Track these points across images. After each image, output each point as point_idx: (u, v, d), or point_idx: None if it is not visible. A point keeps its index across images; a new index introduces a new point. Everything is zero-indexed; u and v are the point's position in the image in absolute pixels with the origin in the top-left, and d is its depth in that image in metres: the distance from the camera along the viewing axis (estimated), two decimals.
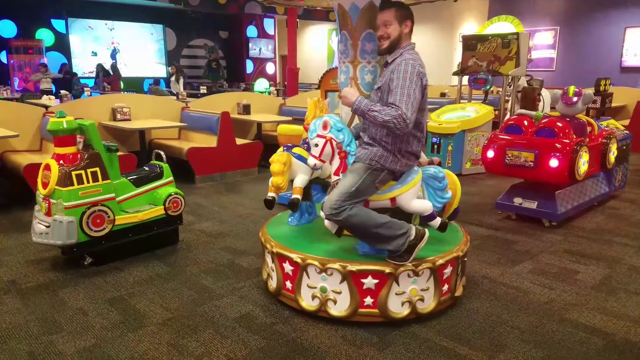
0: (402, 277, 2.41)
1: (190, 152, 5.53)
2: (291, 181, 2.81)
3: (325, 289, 2.47)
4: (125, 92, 11.20)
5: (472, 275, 3.10)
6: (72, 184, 2.99)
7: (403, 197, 2.45)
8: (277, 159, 2.71)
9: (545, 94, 6.79)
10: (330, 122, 2.42)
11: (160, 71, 15.68)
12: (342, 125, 2.45)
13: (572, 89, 4.21)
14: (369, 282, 2.40)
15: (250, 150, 6.07)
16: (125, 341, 2.34)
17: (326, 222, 2.48)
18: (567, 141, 3.84)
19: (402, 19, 2.44)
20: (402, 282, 2.42)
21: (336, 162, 2.46)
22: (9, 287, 2.93)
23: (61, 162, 3.04)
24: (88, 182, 3.06)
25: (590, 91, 4.28)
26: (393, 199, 2.47)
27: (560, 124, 3.96)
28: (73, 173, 3.00)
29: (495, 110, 6.58)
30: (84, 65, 14.06)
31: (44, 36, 12.91)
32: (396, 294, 2.43)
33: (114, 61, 13.93)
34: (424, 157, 3.21)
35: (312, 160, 2.45)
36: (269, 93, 11.87)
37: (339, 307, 2.47)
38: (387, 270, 2.38)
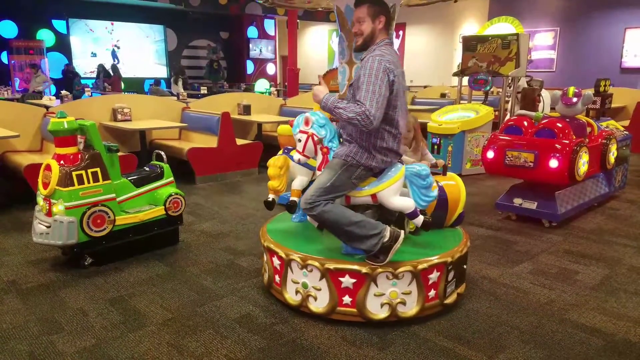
0: (381, 278, 2.41)
1: (190, 153, 5.53)
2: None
3: (307, 285, 2.53)
4: (126, 93, 11.21)
5: (472, 276, 3.10)
6: (73, 184, 3.00)
7: (383, 194, 2.45)
8: (273, 163, 2.76)
9: (545, 95, 6.79)
10: (312, 119, 2.48)
11: (161, 72, 15.69)
12: (324, 122, 2.49)
13: (571, 89, 4.22)
14: (347, 281, 2.43)
15: (251, 150, 6.07)
16: (126, 341, 2.35)
17: (308, 217, 2.54)
18: (567, 142, 3.84)
19: (375, 15, 2.43)
20: (381, 284, 2.42)
21: (319, 157, 2.53)
22: (9, 287, 2.93)
23: (62, 162, 3.04)
24: (89, 182, 3.06)
25: (590, 92, 4.28)
26: (374, 196, 2.47)
27: (560, 125, 3.96)
28: (74, 173, 3.01)
29: (495, 110, 6.58)
30: (84, 66, 14.06)
31: (45, 37, 12.92)
32: (375, 295, 2.43)
33: (115, 61, 13.95)
34: (430, 159, 3.20)
35: (296, 156, 2.54)
36: (269, 93, 11.87)
37: (319, 304, 2.51)
38: (364, 270, 2.39)
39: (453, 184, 2.89)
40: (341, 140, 2.54)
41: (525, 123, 4.13)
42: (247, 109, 6.82)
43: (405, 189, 2.51)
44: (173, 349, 2.29)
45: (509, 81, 6.98)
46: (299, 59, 12.49)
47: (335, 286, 2.45)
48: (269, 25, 16.65)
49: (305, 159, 2.57)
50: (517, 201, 4.19)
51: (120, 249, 3.30)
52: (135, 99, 6.44)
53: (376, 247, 2.36)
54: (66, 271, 3.15)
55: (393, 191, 2.44)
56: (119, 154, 3.34)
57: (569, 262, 3.38)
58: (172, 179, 3.61)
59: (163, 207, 3.45)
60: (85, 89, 10.60)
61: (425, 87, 11.71)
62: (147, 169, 3.61)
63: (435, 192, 2.52)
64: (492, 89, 8.04)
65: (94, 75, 13.36)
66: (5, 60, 12.40)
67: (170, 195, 3.49)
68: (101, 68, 12.88)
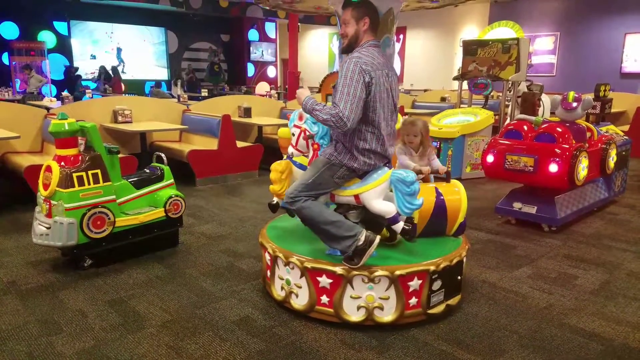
0: (357, 281, 2.42)
1: (191, 155, 5.54)
2: None
3: (289, 282, 2.60)
4: (127, 95, 11.22)
5: (472, 280, 3.10)
6: (73, 186, 3.00)
7: (365, 196, 2.45)
8: (275, 168, 2.80)
9: (545, 99, 6.81)
10: (305, 115, 2.54)
11: (162, 74, 15.72)
12: None
13: (571, 94, 4.23)
14: (324, 280, 2.46)
15: (251, 153, 6.08)
16: (125, 343, 2.35)
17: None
18: (567, 146, 3.85)
19: (359, 17, 2.44)
20: (357, 286, 2.43)
21: (310, 153, 2.61)
22: (9, 288, 2.93)
23: (62, 163, 3.04)
24: (89, 183, 3.06)
25: (589, 97, 4.30)
26: (357, 196, 2.48)
27: (559, 129, 3.97)
28: (74, 175, 3.01)
29: (495, 115, 6.60)
30: (84, 68, 14.08)
31: (46, 38, 12.95)
32: (351, 297, 2.44)
33: (120, 63, 13.98)
34: (436, 165, 3.04)
35: (290, 149, 2.65)
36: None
37: (300, 301, 2.57)
38: (339, 271, 2.42)
39: (454, 191, 2.81)
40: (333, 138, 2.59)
41: (525, 127, 4.14)
42: (247, 112, 6.83)
43: (391, 194, 2.49)
44: (172, 351, 2.29)
45: (509, 85, 6.99)
46: (299, 62, 12.51)
47: (314, 285, 2.50)
48: (270, 28, 16.69)
49: (299, 154, 2.67)
50: (517, 205, 4.20)
51: (120, 251, 3.30)
52: (135, 101, 6.45)
53: (350, 249, 2.38)
54: (66, 272, 3.16)
55: (375, 194, 2.44)
56: (120, 155, 3.34)
57: (568, 266, 3.38)
58: (172, 181, 3.62)
59: (163, 209, 3.45)
60: (86, 91, 10.60)
61: (425, 90, 11.75)
62: (147, 170, 3.61)
63: (420, 201, 2.45)
64: (492, 93, 8.06)
65: (94, 76, 13.39)
66: (6, 61, 12.42)
67: (171, 197, 3.49)
68: (102, 70, 12.90)
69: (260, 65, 16.60)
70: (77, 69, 13.03)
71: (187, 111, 6.50)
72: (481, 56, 7.02)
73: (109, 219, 3.15)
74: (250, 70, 16.38)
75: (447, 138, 6.06)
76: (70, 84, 11.96)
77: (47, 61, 12.63)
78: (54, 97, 10.46)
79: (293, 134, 2.65)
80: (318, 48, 18.08)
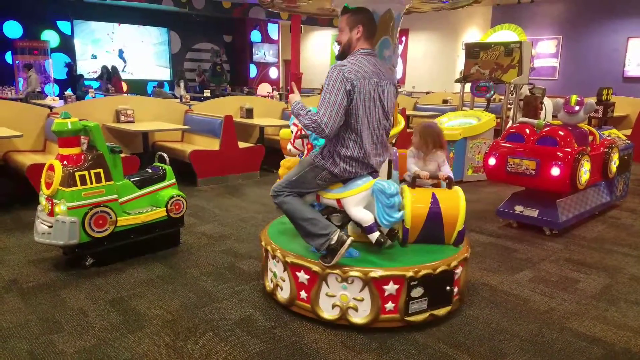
0: (331, 279, 2.45)
1: (192, 155, 5.55)
2: None
3: (276, 275, 2.69)
4: (129, 95, 11.24)
5: (473, 283, 3.09)
6: (76, 185, 3.01)
7: (345, 201, 2.50)
8: (283, 164, 2.93)
9: (548, 103, 6.79)
10: None
11: (164, 74, 15.74)
12: None
13: (574, 97, 4.22)
14: (302, 276, 2.53)
15: (253, 153, 6.09)
16: (125, 342, 2.35)
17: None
18: (569, 150, 3.85)
19: (353, 25, 2.46)
20: (332, 285, 2.46)
21: (305, 153, 2.72)
22: (10, 286, 2.94)
23: (65, 162, 3.05)
24: (91, 183, 3.07)
25: (592, 100, 4.29)
26: (339, 201, 2.53)
27: (562, 133, 3.97)
28: (76, 174, 3.02)
29: (497, 118, 6.59)
30: (85, 67, 14.09)
31: (49, 37, 12.98)
32: (327, 295, 2.48)
33: (123, 63, 14.00)
34: (445, 171, 2.88)
35: (289, 146, 2.77)
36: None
37: (283, 294, 2.65)
38: (315, 268, 2.47)
39: (452, 198, 2.69)
40: None
41: (527, 131, 4.13)
42: (249, 113, 6.84)
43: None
44: (172, 350, 2.29)
45: (511, 88, 6.99)
46: (301, 64, 12.53)
47: (294, 279, 2.57)
48: (273, 30, 16.71)
49: (297, 151, 2.79)
50: (518, 209, 4.19)
51: (122, 250, 3.30)
52: (138, 101, 6.46)
53: (323, 247, 2.43)
54: (67, 271, 3.16)
55: (355, 201, 2.47)
56: (122, 155, 3.35)
57: (569, 270, 3.37)
58: (174, 180, 3.62)
59: (165, 208, 3.45)
60: (89, 91, 10.62)
61: (427, 93, 11.74)
62: (149, 170, 3.62)
63: (399, 215, 2.43)
64: (494, 96, 8.06)
65: (97, 75, 13.40)
66: (9, 60, 12.45)
67: (172, 197, 3.50)
68: (104, 69, 12.93)
69: (263, 67, 16.61)
70: (75, 69, 13.04)
71: (189, 111, 6.51)
72: (483, 59, 7.01)
73: (111, 218, 3.16)
74: (253, 71, 16.39)
75: (449, 141, 6.04)
76: (73, 83, 11.97)
77: (51, 60, 12.66)
78: (57, 96, 10.47)
79: (292, 132, 2.81)
80: (321, 50, 18.09)
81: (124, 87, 12.95)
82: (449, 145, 6.07)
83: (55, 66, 12.78)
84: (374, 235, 2.45)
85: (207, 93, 10.38)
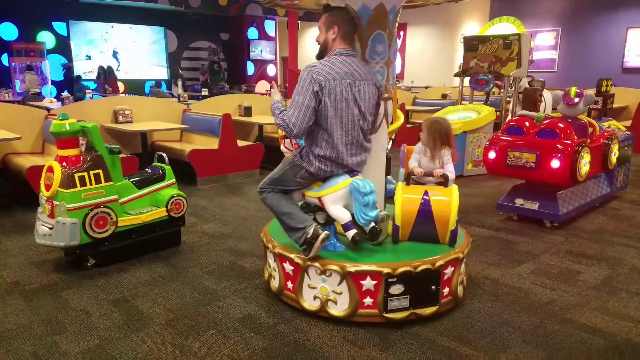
0: (311, 271, 2.52)
1: (191, 154, 5.54)
2: None
3: (270, 265, 2.80)
4: (126, 94, 11.22)
5: (474, 276, 3.10)
6: (75, 186, 3.01)
7: (324, 199, 2.54)
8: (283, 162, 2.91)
9: (547, 95, 6.79)
10: None
11: (162, 73, 15.71)
12: None
13: (573, 89, 4.22)
14: (288, 267, 2.62)
15: (252, 152, 6.08)
16: (129, 342, 2.36)
17: None
18: (569, 142, 3.84)
19: (329, 25, 2.50)
20: (312, 277, 2.53)
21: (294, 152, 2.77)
22: (13, 289, 2.94)
23: (64, 164, 3.05)
24: (91, 184, 3.07)
25: (591, 92, 4.29)
26: (320, 199, 2.56)
27: (561, 125, 3.96)
28: (76, 175, 3.02)
29: (496, 111, 6.59)
30: (81, 68, 14.05)
31: (45, 38, 12.94)
32: (309, 286, 2.56)
33: (117, 63, 13.96)
34: (449, 170, 2.82)
35: (282, 145, 2.91)
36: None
37: (275, 283, 2.76)
38: (296, 259, 2.56)
39: (443, 198, 2.62)
40: None
41: (527, 123, 4.13)
42: (248, 111, 6.83)
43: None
44: (176, 349, 2.30)
45: (511, 81, 6.98)
46: (299, 60, 12.50)
47: (282, 270, 2.66)
48: (270, 27, 16.65)
49: (286, 150, 2.89)
50: (519, 202, 4.20)
51: (123, 250, 3.31)
52: (136, 101, 6.45)
53: (300, 240, 2.49)
54: (69, 272, 3.17)
55: (332, 199, 2.50)
56: (121, 155, 3.34)
57: (570, 262, 3.38)
58: (173, 180, 3.62)
59: (165, 208, 3.46)
60: (87, 91, 10.60)
61: (426, 87, 11.72)
62: (149, 170, 3.62)
63: (374, 213, 2.40)
64: (493, 90, 8.05)
65: (91, 77, 13.37)
66: (5, 62, 12.42)
67: (172, 196, 3.50)
68: (101, 70, 12.90)
69: (260, 64, 16.56)
70: (72, 69, 13.01)
71: (187, 111, 6.50)
72: (482, 52, 7.00)
73: (111, 218, 3.16)
74: (250, 68, 16.35)
75: None
76: (70, 84, 11.95)
77: (47, 62, 12.63)
78: (54, 97, 10.46)
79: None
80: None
81: (121, 87, 12.91)
82: None
83: (51, 67, 12.75)
84: (350, 233, 2.47)
85: (204, 92, 10.37)
